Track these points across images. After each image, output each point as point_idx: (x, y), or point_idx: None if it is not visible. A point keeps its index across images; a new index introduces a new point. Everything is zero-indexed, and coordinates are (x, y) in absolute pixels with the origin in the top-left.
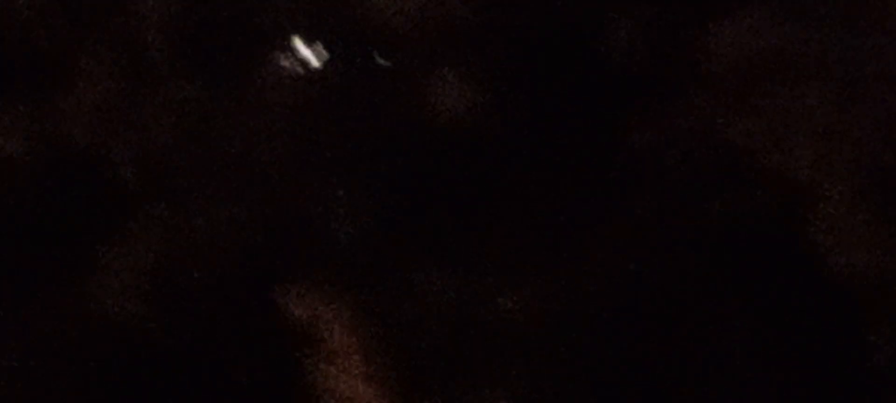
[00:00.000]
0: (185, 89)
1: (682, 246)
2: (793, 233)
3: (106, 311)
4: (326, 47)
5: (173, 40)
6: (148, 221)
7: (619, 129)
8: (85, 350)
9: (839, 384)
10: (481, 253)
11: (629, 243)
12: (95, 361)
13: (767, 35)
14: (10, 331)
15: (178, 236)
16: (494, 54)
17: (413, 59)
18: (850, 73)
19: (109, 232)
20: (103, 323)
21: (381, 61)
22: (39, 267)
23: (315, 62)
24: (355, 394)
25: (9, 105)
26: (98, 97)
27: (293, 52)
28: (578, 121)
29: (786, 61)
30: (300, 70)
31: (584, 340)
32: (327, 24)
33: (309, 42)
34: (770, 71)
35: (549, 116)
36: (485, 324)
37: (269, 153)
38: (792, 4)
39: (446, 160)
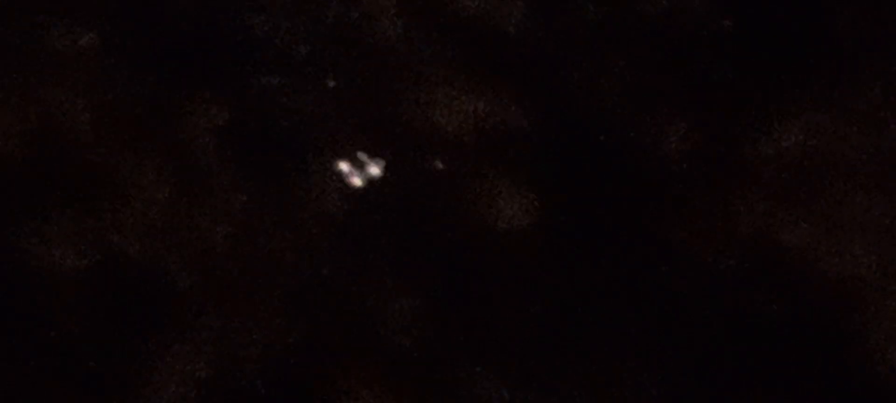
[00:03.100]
0: (238, 198)
1: (738, 353)
2: (850, 337)
3: None
4: (382, 155)
5: (225, 149)
6: (202, 331)
7: (674, 237)
8: None
9: None
10: (533, 357)
11: (683, 349)
12: None
13: (821, 138)
14: None
15: (232, 346)
16: (549, 162)
17: (470, 166)
18: None
19: (164, 343)
20: None
21: (436, 166)
22: (95, 381)
23: (373, 170)
24: None
25: (65, 219)
26: (151, 208)
27: (349, 159)
28: (633, 229)
29: (841, 164)
30: (357, 177)
31: None
32: (383, 132)
33: (365, 150)
34: (825, 174)
35: (604, 225)
36: None
37: (325, 261)
38: (846, 105)
39: (501, 268)
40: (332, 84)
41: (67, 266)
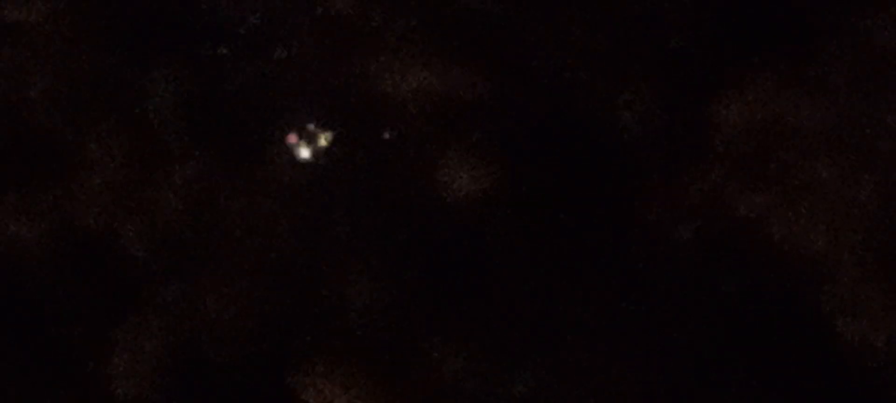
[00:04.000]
0: (195, 169)
1: (695, 322)
2: (806, 307)
3: (117, 395)
4: (334, 126)
5: (177, 120)
6: (160, 301)
7: (630, 206)
8: None
9: None
10: (496, 332)
11: (643, 320)
12: None
13: (775, 105)
14: None
15: (190, 318)
16: (503, 132)
17: (422, 137)
18: (858, 141)
19: (121, 315)
20: None
21: (388, 136)
22: (52, 352)
23: (323, 141)
24: None
25: (21, 191)
26: (108, 179)
27: (300, 129)
28: (589, 199)
29: (795, 132)
30: (308, 148)
31: None
32: (335, 103)
33: (316, 120)
34: (780, 143)
35: (560, 194)
36: None
37: (280, 231)
38: (799, 74)
39: (458, 238)
40: (282, 54)
41: (23, 237)
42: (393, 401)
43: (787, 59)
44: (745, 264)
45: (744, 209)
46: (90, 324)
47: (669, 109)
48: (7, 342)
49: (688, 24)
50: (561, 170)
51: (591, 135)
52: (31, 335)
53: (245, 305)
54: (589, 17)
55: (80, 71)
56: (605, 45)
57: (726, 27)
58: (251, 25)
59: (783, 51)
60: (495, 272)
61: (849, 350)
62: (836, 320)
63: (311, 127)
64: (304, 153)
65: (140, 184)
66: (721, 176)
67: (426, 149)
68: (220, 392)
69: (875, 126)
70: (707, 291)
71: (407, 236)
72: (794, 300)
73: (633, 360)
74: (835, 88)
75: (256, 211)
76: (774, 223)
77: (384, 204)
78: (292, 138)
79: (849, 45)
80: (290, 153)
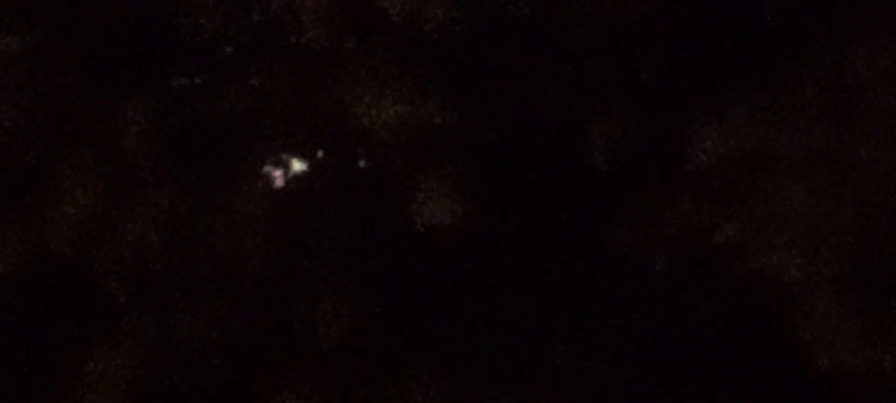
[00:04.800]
0: (166, 197)
1: (671, 351)
2: (781, 332)
3: None
4: (307, 154)
5: (152, 148)
6: (133, 330)
7: (605, 232)
8: None
9: None
10: (467, 358)
11: (618, 346)
12: None
13: (750, 134)
14: None
15: (163, 344)
16: (477, 159)
17: (395, 165)
18: (832, 169)
19: (95, 342)
20: None
21: (362, 163)
22: (26, 380)
23: (297, 169)
24: None
25: None
26: (80, 208)
27: (274, 157)
28: (564, 225)
29: (770, 160)
30: (281, 176)
31: None
32: (308, 131)
33: (289, 148)
34: (754, 170)
35: (534, 220)
36: None
37: (253, 259)
38: (772, 103)
39: (430, 264)
40: (255, 82)
41: None
42: None
43: (762, 89)
44: (722, 293)
45: (719, 238)
46: (63, 352)
47: (644, 139)
48: None
49: (662, 54)
50: (535, 200)
51: (565, 165)
52: (3, 362)
53: (217, 334)
54: (562, 48)
55: (56, 100)
56: (580, 76)
57: (700, 57)
58: (226, 54)
59: (757, 80)
60: (468, 301)
61: (825, 378)
62: (813, 348)
63: (285, 154)
64: (279, 181)
65: (114, 214)
66: (696, 205)
67: (399, 177)
68: None
69: (850, 154)
70: (683, 320)
71: (379, 265)
72: (770, 328)
73: (608, 389)
74: (809, 117)
75: (230, 241)
76: (750, 252)
77: (357, 233)
78: (269, 168)
79: (823, 75)
80: (264, 181)
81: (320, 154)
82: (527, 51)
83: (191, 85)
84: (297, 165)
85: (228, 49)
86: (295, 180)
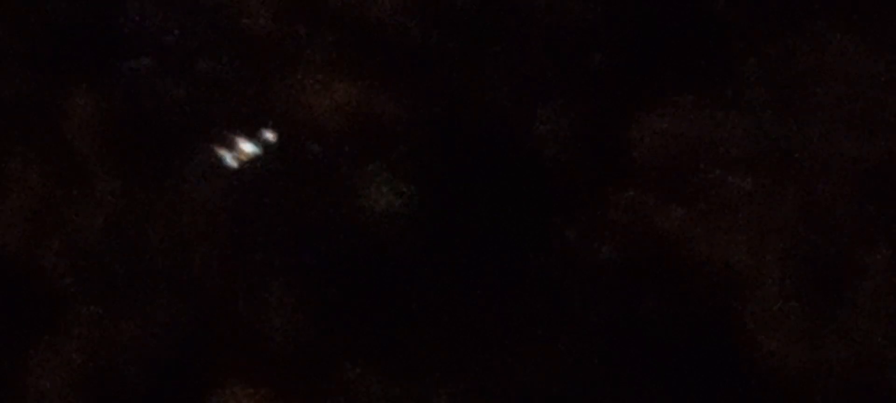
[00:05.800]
0: (112, 187)
1: (616, 340)
2: (725, 323)
3: None
4: (255, 142)
5: (97, 137)
6: (79, 323)
7: (550, 223)
8: None
9: None
10: (415, 352)
11: (563, 338)
12: None
13: (695, 123)
14: None
15: (110, 338)
16: (424, 150)
17: (342, 153)
18: (778, 160)
19: (41, 335)
20: None
21: (312, 150)
22: None
23: (244, 155)
24: None
25: None
26: (25, 200)
27: (222, 147)
28: (509, 216)
29: (714, 149)
30: (228, 162)
31: None
32: (255, 117)
33: (236, 134)
34: (699, 159)
35: (480, 211)
36: None
37: (200, 250)
38: (717, 92)
39: (378, 255)
40: (203, 67)
41: None
42: None
43: (706, 78)
44: (667, 280)
45: (665, 225)
46: (5, 345)
47: (589, 128)
48: None
49: (607, 44)
50: (481, 189)
51: (511, 153)
52: None
53: (164, 326)
54: (508, 37)
55: None
56: (525, 65)
57: (645, 46)
58: (172, 38)
59: (702, 69)
60: (414, 291)
61: (768, 364)
62: (757, 335)
63: (232, 139)
64: (228, 166)
65: (59, 205)
66: (642, 193)
67: (346, 165)
68: None
69: (795, 142)
70: (628, 308)
71: (326, 254)
72: (715, 315)
73: (552, 379)
74: (754, 106)
75: (176, 231)
76: (696, 239)
77: (304, 221)
78: (215, 151)
79: (768, 64)
80: (211, 169)
81: (269, 139)
82: (475, 41)
83: (137, 71)
84: (246, 151)
85: (175, 33)
86: (243, 166)
